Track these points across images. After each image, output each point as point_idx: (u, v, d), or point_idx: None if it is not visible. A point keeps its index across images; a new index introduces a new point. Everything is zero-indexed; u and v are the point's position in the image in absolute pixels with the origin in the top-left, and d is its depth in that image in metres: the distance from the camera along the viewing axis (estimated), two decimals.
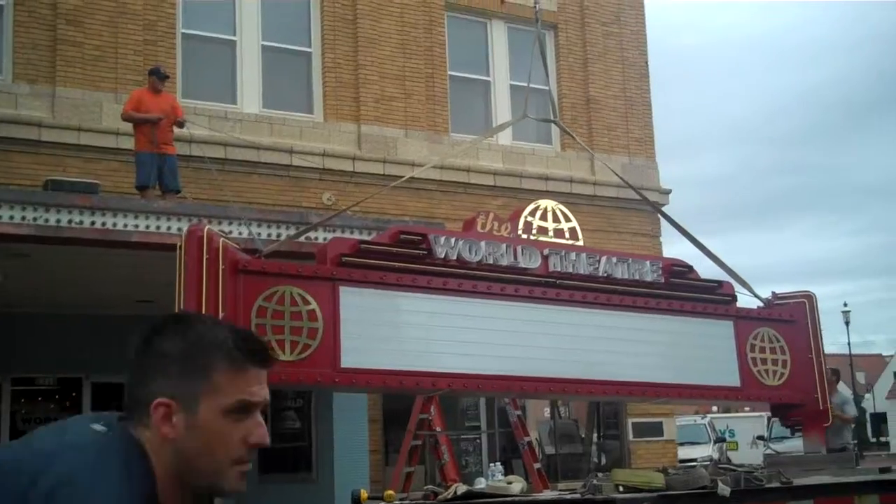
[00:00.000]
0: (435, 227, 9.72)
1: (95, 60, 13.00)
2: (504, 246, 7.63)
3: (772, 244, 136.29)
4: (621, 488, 7.48)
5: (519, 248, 7.71)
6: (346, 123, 15.24)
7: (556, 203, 8.38)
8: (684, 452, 20.06)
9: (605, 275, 8.00)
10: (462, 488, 8.71)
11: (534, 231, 8.08)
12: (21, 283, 11.00)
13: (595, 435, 16.25)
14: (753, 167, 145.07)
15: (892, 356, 73.62)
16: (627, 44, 18.22)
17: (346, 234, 11.34)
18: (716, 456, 22.11)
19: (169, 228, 10.30)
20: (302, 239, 10.92)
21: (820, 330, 9.00)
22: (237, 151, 14.03)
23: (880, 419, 70.12)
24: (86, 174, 12.14)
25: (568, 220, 8.27)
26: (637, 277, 8.13)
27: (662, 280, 8.27)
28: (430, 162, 12.35)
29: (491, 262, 7.52)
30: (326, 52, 15.35)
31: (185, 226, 10.35)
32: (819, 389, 8.64)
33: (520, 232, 8.02)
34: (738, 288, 8.91)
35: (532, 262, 7.72)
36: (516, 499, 8.26)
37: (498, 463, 11.36)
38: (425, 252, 7.27)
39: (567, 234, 8.22)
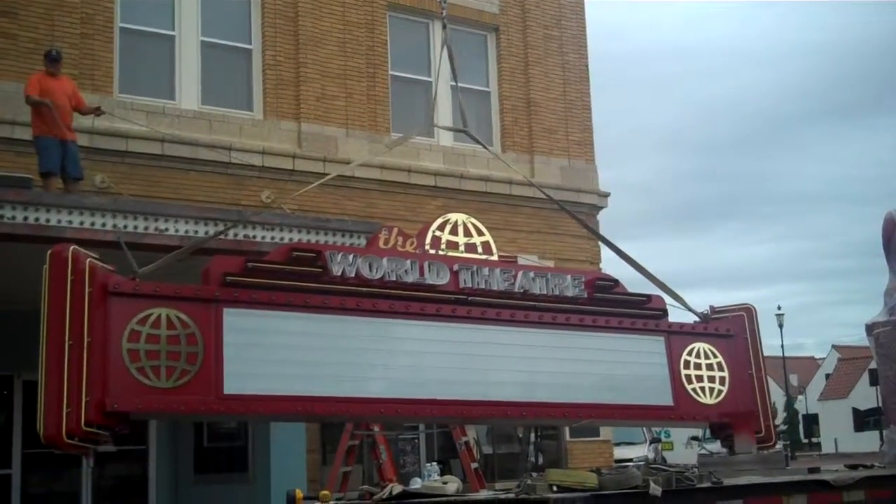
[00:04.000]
0: (372, 227, 9.52)
1: (30, 53, 12.75)
2: (409, 262, 7.17)
3: (697, 250, 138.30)
4: (555, 488, 7.52)
5: (426, 264, 7.25)
6: (286, 122, 15.15)
7: (467, 216, 7.86)
8: (620, 452, 20.24)
9: (522, 290, 7.55)
10: (398, 488, 8.69)
11: (443, 246, 7.50)
12: None
13: (532, 435, 16.34)
14: (678, 174, 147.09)
15: (823, 359, 75.09)
16: (568, 47, 18.35)
17: (286, 233, 11.29)
18: (651, 456, 22.35)
19: (104, 225, 10.16)
20: (241, 237, 10.85)
21: (760, 345, 8.68)
22: (175, 148, 13.87)
23: (812, 420, 71.51)
24: (19, 169, 11.92)
25: (481, 233, 7.80)
26: (557, 292, 7.67)
27: (585, 295, 7.82)
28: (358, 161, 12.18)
29: (394, 279, 7.06)
30: (267, 50, 15.24)
31: (119, 222, 10.26)
32: (760, 407, 8.37)
33: (427, 247, 7.44)
34: (672, 302, 8.62)
35: (440, 278, 7.27)
36: (451, 499, 8.27)
37: (434, 463, 11.40)
38: (320, 270, 6.82)
39: (480, 249, 7.68)
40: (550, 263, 15.54)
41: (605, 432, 16.89)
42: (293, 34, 15.40)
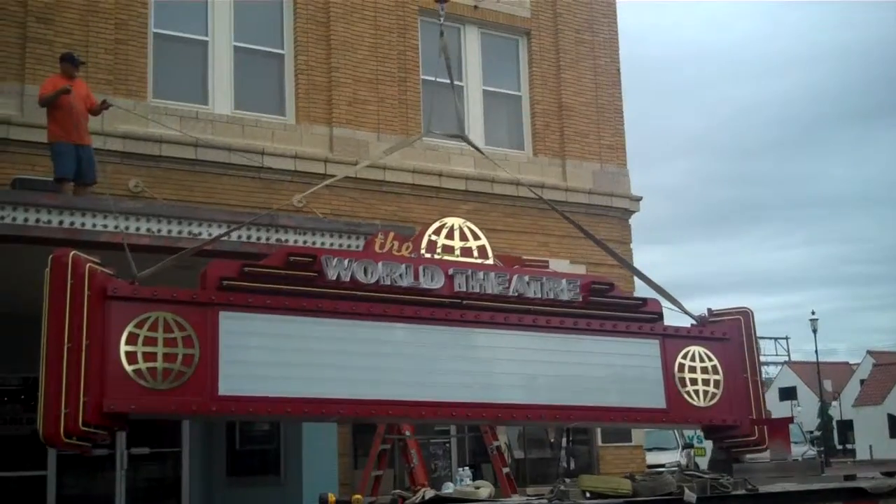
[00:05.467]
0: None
1: None
2: (404, 266, 7.24)
3: (726, 254, 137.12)
4: (588, 494, 7.50)
5: (420, 269, 7.30)
6: (318, 126, 15.20)
7: (463, 221, 7.87)
8: (652, 458, 20.12)
9: (517, 294, 7.61)
10: (430, 493, 8.70)
11: (438, 250, 7.54)
12: None
13: (564, 440, 16.28)
14: (706, 178, 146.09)
15: (858, 364, 74.35)
16: (600, 51, 18.29)
17: (318, 237, 11.32)
18: (683, 462, 22.21)
19: (138, 229, 10.23)
20: (273, 240, 10.90)
21: (757, 348, 8.64)
22: (208, 152, 13.96)
23: (847, 426, 70.77)
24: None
25: (477, 238, 7.80)
26: (552, 296, 7.72)
27: (580, 298, 7.85)
28: (363, 163, 12.17)
29: (389, 283, 7.13)
30: (299, 55, 15.31)
31: (154, 226, 10.34)
32: (755, 411, 8.36)
33: (423, 251, 7.48)
34: (669, 306, 8.61)
35: (435, 282, 7.32)
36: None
37: (466, 467, 11.38)
38: (316, 274, 6.90)
39: (476, 253, 7.71)
40: (581, 268, 15.51)
41: (637, 437, 16.80)
42: (325, 39, 15.46)
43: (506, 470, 11.55)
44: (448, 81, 9.68)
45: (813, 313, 51.82)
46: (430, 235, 7.61)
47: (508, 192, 16.37)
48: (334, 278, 6.96)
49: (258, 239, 10.81)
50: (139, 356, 6.16)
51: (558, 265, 13.68)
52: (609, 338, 7.95)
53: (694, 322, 8.55)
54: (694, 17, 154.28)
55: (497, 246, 14.66)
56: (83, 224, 9.87)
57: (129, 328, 6.18)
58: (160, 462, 14.22)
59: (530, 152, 17.35)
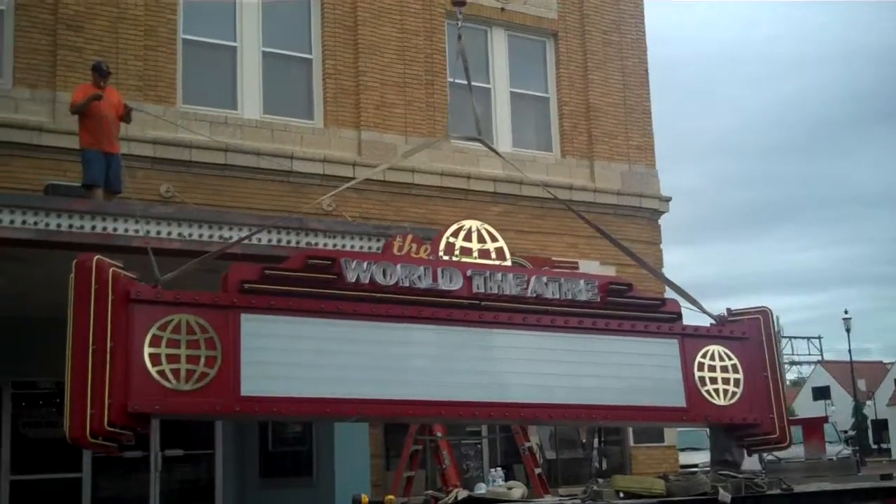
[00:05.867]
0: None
1: None
2: (422, 268, 7.28)
3: (752, 255, 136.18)
4: (622, 494, 7.50)
5: (439, 270, 7.35)
6: (346, 130, 15.26)
7: (480, 223, 7.98)
8: (685, 458, 20.02)
9: (535, 295, 7.62)
10: (462, 493, 8.72)
11: (456, 252, 7.57)
12: (19, 286, 11.01)
13: (596, 440, 16.24)
14: (731, 179, 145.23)
15: (892, 363, 73.66)
16: (627, 52, 18.25)
17: (347, 240, 11.37)
18: None
19: (169, 234, 10.32)
20: (303, 244, 10.95)
21: (777, 347, 8.64)
22: (237, 157, 14.05)
23: (881, 426, 70.14)
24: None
25: (494, 239, 7.87)
26: (570, 297, 7.74)
27: (598, 299, 7.87)
28: (381, 167, 12.20)
29: (407, 285, 7.17)
30: (327, 59, 15.38)
31: (185, 231, 10.42)
32: (775, 409, 8.40)
33: (441, 254, 7.54)
34: (688, 305, 8.65)
35: (454, 283, 7.35)
36: None
37: (499, 468, 11.38)
38: (335, 277, 6.96)
39: (493, 255, 7.74)
40: (611, 269, 15.45)
41: (670, 437, 16.74)
42: (353, 43, 15.52)
43: (538, 470, 11.54)
44: (467, 84, 9.69)
45: (846, 312, 51.43)
46: (448, 238, 7.68)
47: (537, 194, 16.35)
48: (353, 280, 7.03)
49: (288, 242, 10.86)
50: (163, 358, 6.25)
51: (588, 266, 13.69)
52: (628, 338, 7.98)
53: (713, 321, 8.59)
54: (717, 18, 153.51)
55: (526, 247, 14.80)
56: (115, 229, 9.96)
57: (152, 331, 6.26)
58: (194, 464, 14.32)
59: (558, 154, 17.33)
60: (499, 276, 7.57)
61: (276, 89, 15.07)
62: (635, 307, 8.12)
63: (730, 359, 8.25)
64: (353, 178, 14.64)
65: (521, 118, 17.32)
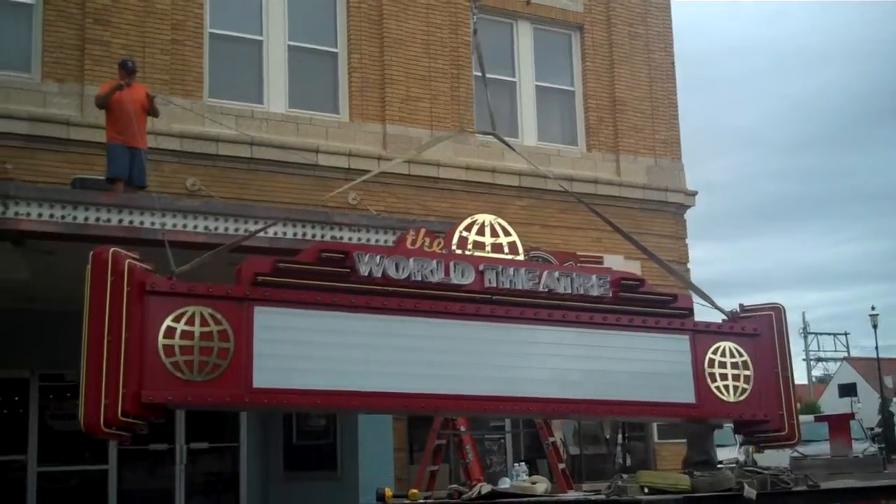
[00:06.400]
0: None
1: None
2: (434, 262, 7.30)
3: (781, 249, 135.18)
4: (646, 490, 7.47)
5: (451, 264, 7.36)
6: (371, 123, 15.27)
7: (494, 217, 7.99)
8: None
9: (547, 290, 7.62)
10: (486, 488, 8.73)
11: (469, 246, 7.55)
12: (46, 279, 11.10)
13: (620, 436, 16.20)
14: (761, 173, 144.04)
15: None
16: (654, 45, 18.16)
17: (371, 234, 11.39)
18: (742, 458, 21.98)
19: (195, 227, 10.36)
20: (328, 238, 10.98)
21: (788, 344, 8.64)
22: (263, 151, 14.10)
23: None
24: None
25: (507, 234, 7.88)
26: (582, 292, 7.75)
27: (610, 294, 7.89)
28: (398, 159, 12.25)
29: (420, 278, 7.19)
30: (353, 53, 15.39)
31: (211, 224, 10.47)
32: (785, 406, 8.39)
33: (454, 248, 7.51)
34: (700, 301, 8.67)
35: (466, 277, 7.35)
36: (541, 499, 8.26)
37: (522, 463, 11.36)
38: (348, 270, 6.98)
39: (506, 249, 7.72)
40: (636, 264, 15.37)
41: None
42: (378, 37, 15.52)
43: (561, 466, 11.52)
44: (485, 82, 9.77)
45: (873, 308, 50.98)
46: (461, 232, 7.72)
47: (562, 188, 16.31)
48: (366, 274, 7.08)
49: (313, 236, 10.91)
50: (176, 349, 6.30)
51: (613, 261, 13.61)
52: (638, 333, 8.01)
53: (725, 318, 8.60)
54: (743, 10, 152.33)
55: (551, 242, 14.78)
56: (141, 222, 10.02)
57: (166, 322, 6.32)
58: (218, 456, 14.40)
59: (584, 148, 17.27)
60: (511, 270, 7.61)
61: (302, 83, 15.10)
62: (647, 302, 8.16)
63: (741, 355, 8.27)
64: (380, 173, 14.72)
65: (547, 112, 17.27)
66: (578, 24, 17.57)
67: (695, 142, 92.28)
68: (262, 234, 10.58)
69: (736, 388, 8.20)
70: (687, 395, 8.07)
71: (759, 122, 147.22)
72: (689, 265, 17.61)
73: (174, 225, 10.17)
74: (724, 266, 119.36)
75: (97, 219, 9.97)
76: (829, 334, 64.29)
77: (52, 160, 12.77)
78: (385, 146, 15.16)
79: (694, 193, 17.98)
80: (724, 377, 8.18)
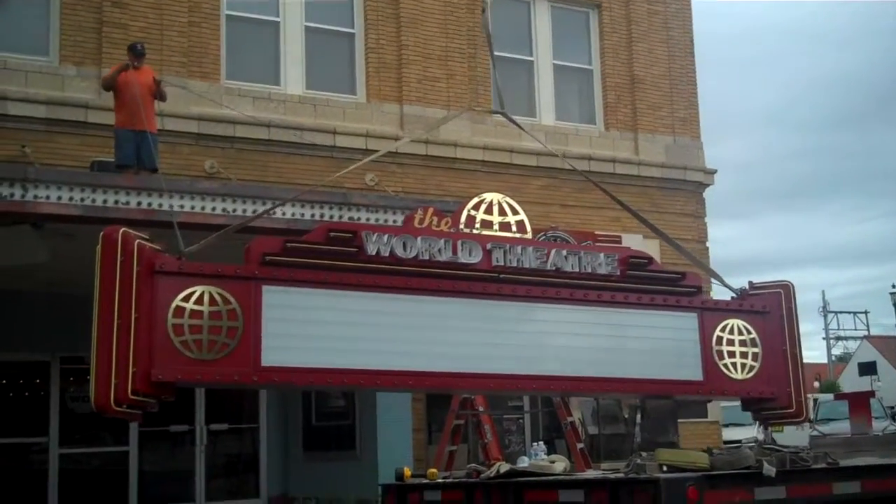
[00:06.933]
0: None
1: (140, 42, 13.06)
2: (442, 241, 7.34)
3: (803, 228, 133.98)
4: (665, 468, 7.47)
5: (459, 243, 7.41)
6: (388, 104, 15.24)
7: (502, 196, 7.93)
8: (729, 434, 19.88)
9: (554, 268, 7.68)
10: (505, 467, 8.75)
11: (477, 225, 7.60)
12: (66, 262, 11.14)
13: (639, 416, 16.17)
14: (782, 152, 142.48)
15: None
16: (672, 22, 18.02)
17: (389, 215, 11.37)
18: (760, 438, 21.93)
19: (214, 209, 10.39)
20: (346, 219, 10.99)
21: (797, 321, 8.61)
22: (280, 132, 14.10)
23: None
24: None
25: (515, 213, 7.85)
26: (589, 270, 7.81)
27: (618, 272, 7.92)
28: (406, 138, 12.23)
29: (427, 257, 7.25)
30: (369, 33, 15.34)
31: (229, 206, 10.49)
32: (793, 383, 8.36)
33: (462, 226, 7.57)
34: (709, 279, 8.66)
35: (473, 256, 7.42)
36: (560, 477, 8.28)
37: (541, 442, 11.40)
38: (356, 249, 7.05)
39: (514, 228, 7.76)
40: (655, 243, 15.30)
41: (714, 413, 16.64)
42: (395, 16, 15.47)
43: (580, 445, 11.54)
44: (493, 59, 9.83)
45: (894, 286, 50.57)
46: (468, 210, 7.72)
47: (580, 168, 16.25)
48: (374, 253, 7.12)
49: (331, 217, 10.92)
50: (186, 328, 6.39)
51: (631, 240, 13.55)
52: (646, 311, 8.07)
53: (734, 295, 8.58)
54: None
55: (569, 221, 14.74)
56: (160, 205, 10.05)
57: (176, 302, 6.41)
58: (238, 437, 14.49)
59: (602, 126, 17.19)
60: (518, 249, 7.63)
61: (319, 64, 15.07)
62: (655, 280, 8.17)
63: (749, 333, 8.28)
64: (397, 153, 14.69)
65: (564, 91, 17.19)
66: (596, 2, 17.46)
67: (725, 121, 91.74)
68: (280, 215, 10.62)
69: (744, 365, 8.23)
70: (695, 372, 8.12)
71: (788, 102, 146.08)
72: (708, 244, 17.53)
73: (192, 207, 10.20)
74: (749, 244, 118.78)
75: (116, 201, 10.01)
76: (849, 313, 63.90)
77: (70, 143, 12.81)
78: (402, 127, 15.13)
79: (713, 172, 17.88)
80: (731, 354, 8.21)
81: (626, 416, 16.01)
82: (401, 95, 15.30)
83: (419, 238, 7.29)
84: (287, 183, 13.40)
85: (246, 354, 6.54)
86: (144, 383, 6.25)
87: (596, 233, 14.15)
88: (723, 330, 8.21)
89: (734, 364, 8.23)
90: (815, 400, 27.37)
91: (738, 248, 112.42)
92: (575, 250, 7.96)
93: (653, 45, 17.70)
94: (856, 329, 62.88)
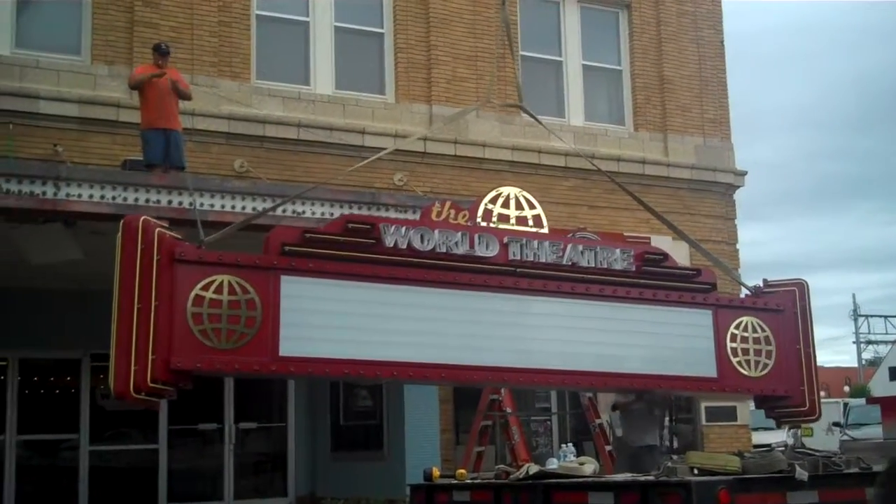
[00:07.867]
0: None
1: (171, 42, 13.08)
2: (459, 234, 7.35)
3: (831, 230, 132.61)
4: (696, 471, 7.40)
5: (476, 236, 7.41)
6: (417, 104, 15.24)
7: (519, 190, 7.92)
8: (758, 437, 19.76)
9: (570, 263, 7.67)
10: (534, 468, 8.70)
11: (494, 219, 7.63)
12: (97, 260, 11.20)
13: (667, 418, 16.09)
14: (810, 153, 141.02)
15: None
16: (703, 22, 17.91)
17: (417, 216, 11.36)
18: (790, 441, 21.76)
19: (244, 208, 10.43)
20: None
21: (811, 320, 8.56)
22: (310, 132, 14.13)
23: None
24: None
25: (532, 207, 7.84)
26: (605, 265, 7.80)
27: (634, 268, 7.90)
28: (416, 135, 12.24)
29: (444, 250, 7.25)
30: (398, 33, 15.35)
31: (259, 205, 10.52)
32: (806, 382, 8.29)
33: (479, 220, 7.57)
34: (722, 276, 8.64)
35: (490, 250, 7.42)
36: (588, 479, 8.23)
37: (570, 444, 11.35)
38: (374, 241, 7.05)
39: (531, 222, 7.76)
40: (684, 245, 15.22)
41: (743, 416, 16.52)
42: (424, 17, 15.47)
43: (608, 448, 11.49)
44: (513, 55, 9.86)
45: None
46: (486, 204, 7.75)
47: (609, 168, 16.16)
48: (391, 245, 7.15)
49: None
50: (204, 317, 6.43)
51: (660, 242, 13.47)
52: (661, 307, 8.07)
53: (748, 293, 8.53)
54: None
55: (597, 223, 14.68)
56: (190, 203, 10.08)
57: (195, 290, 6.45)
58: (267, 436, 14.54)
59: (631, 127, 17.11)
60: (535, 243, 7.63)
61: (348, 64, 15.09)
62: (670, 277, 8.14)
63: (763, 330, 8.25)
64: (425, 153, 14.72)
65: (594, 91, 17.12)
66: (626, 2, 17.38)
67: (748, 122, 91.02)
68: (310, 214, 10.65)
69: (757, 363, 8.21)
70: (709, 369, 8.10)
71: (818, 102, 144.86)
72: (738, 246, 17.41)
73: (222, 206, 10.25)
74: (780, 246, 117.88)
75: (147, 200, 10.07)
76: (880, 316, 63.27)
77: (102, 142, 12.89)
78: (431, 127, 15.12)
79: (743, 173, 17.74)
80: (745, 352, 8.19)
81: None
82: (430, 96, 15.30)
83: (436, 231, 7.31)
84: (316, 182, 13.38)
85: (264, 344, 6.56)
86: (164, 371, 6.29)
87: (624, 234, 14.09)
88: (737, 327, 8.20)
89: (748, 361, 8.22)
90: (846, 404, 27.15)
91: (770, 249, 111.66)
92: (591, 245, 7.94)
93: (682, 45, 17.60)
94: (886, 333, 62.25)
